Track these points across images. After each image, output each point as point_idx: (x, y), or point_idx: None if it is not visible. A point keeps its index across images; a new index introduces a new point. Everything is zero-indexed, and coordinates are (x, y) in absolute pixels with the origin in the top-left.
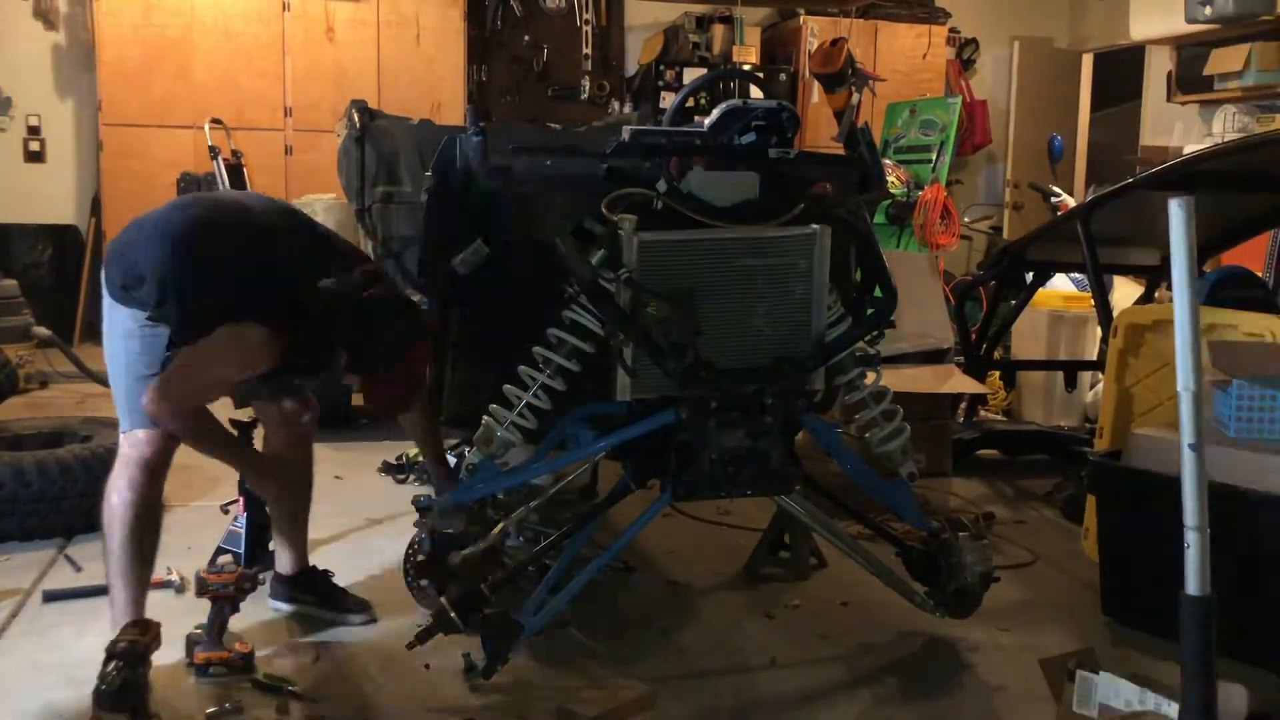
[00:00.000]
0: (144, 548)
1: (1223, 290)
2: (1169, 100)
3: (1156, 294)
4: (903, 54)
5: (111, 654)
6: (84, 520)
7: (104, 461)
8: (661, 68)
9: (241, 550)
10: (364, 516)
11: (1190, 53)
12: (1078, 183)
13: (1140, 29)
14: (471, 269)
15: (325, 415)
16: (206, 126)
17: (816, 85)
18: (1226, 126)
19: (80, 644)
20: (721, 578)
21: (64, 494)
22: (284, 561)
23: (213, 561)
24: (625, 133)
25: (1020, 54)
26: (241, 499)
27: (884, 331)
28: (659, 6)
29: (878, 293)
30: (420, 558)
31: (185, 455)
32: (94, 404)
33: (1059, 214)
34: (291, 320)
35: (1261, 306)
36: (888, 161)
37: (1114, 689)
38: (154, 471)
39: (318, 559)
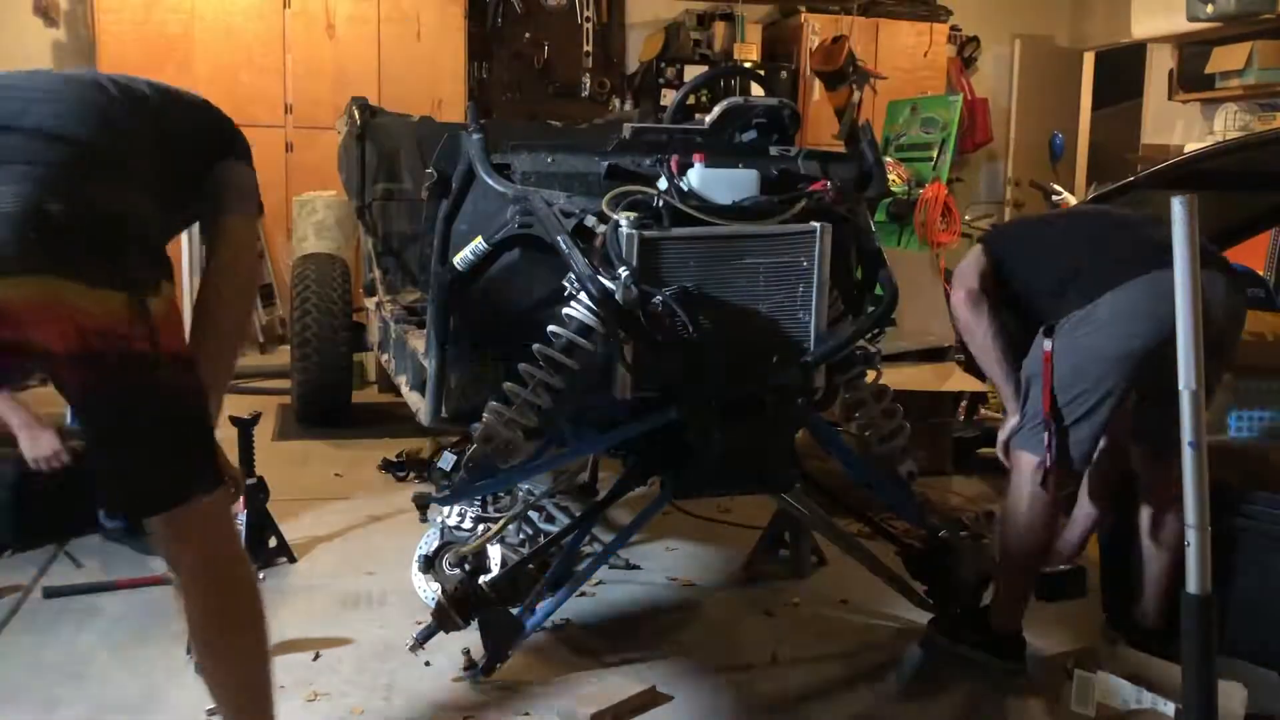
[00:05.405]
0: None
1: None
2: (1170, 98)
3: None
4: (904, 52)
5: None
6: None
7: None
8: (662, 65)
9: None
10: (364, 514)
11: (1191, 51)
12: (1078, 181)
13: (1141, 27)
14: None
15: (325, 413)
16: None
17: (818, 82)
18: (1228, 125)
19: (81, 640)
20: (722, 575)
21: None
22: None
23: None
24: (626, 130)
25: (1021, 52)
26: (241, 498)
27: (884, 329)
28: (660, 3)
29: (878, 290)
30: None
31: None
32: None
33: None
34: None
35: (1261, 306)
36: (889, 159)
37: (1112, 688)
38: None
39: (319, 558)
